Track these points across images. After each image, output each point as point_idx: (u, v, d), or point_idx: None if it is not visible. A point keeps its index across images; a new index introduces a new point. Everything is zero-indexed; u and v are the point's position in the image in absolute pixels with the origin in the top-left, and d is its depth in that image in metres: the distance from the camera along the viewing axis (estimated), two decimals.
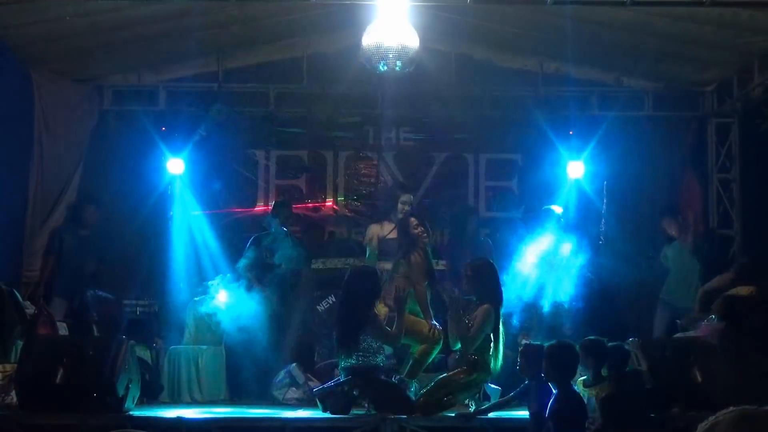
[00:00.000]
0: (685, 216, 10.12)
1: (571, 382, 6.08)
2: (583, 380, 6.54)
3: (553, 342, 6.26)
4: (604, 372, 6.42)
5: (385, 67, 7.58)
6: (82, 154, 10.21)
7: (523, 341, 8.14)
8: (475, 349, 7.26)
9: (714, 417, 2.64)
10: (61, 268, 9.35)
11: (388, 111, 10.54)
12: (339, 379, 7.37)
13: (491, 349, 7.35)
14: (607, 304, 10.18)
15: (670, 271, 9.66)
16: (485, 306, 7.29)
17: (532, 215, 10.10)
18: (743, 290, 7.60)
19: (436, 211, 10.40)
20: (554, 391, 5.84)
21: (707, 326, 7.72)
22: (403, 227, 8.47)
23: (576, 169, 10.31)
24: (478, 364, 7.25)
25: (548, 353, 5.99)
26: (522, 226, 9.59)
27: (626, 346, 6.76)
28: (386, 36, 7.48)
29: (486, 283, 7.46)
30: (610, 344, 6.42)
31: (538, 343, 6.70)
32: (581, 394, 6.18)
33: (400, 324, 7.42)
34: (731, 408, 2.67)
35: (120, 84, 10.54)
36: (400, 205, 8.88)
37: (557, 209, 9.64)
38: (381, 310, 7.74)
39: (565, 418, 5.64)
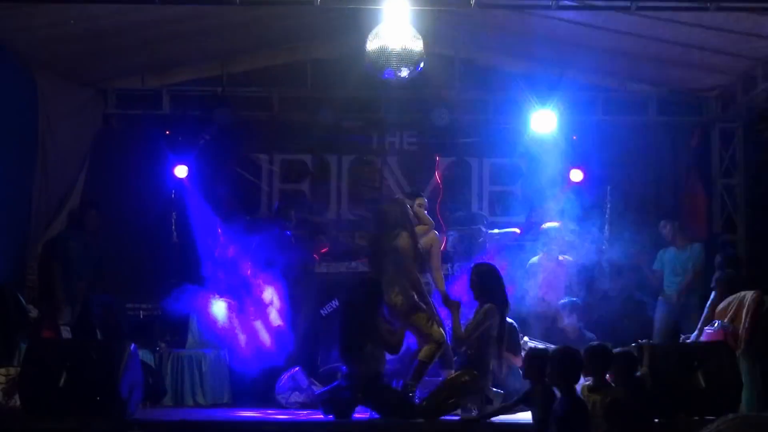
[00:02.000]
0: (683, 220, 10.11)
1: (575, 387, 6.06)
2: (588, 385, 6.52)
3: (557, 346, 6.25)
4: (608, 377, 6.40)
5: (390, 75, 7.56)
6: (86, 157, 10.21)
7: (528, 345, 8.14)
8: (478, 353, 7.27)
9: (714, 425, 2.63)
10: (65, 272, 9.33)
11: (392, 115, 10.55)
12: (342, 383, 7.37)
13: (494, 353, 7.35)
14: (610, 309, 10.19)
15: (665, 272, 9.68)
16: (486, 306, 7.37)
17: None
18: (748, 294, 7.58)
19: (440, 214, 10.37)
20: (558, 396, 5.82)
21: (712, 331, 7.70)
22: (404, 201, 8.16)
23: (579, 173, 10.29)
24: (480, 367, 7.25)
25: (552, 358, 5.97)
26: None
27: (635, 352, 6.74)
28: (390, 40, 7.47)
29: (489, 286, 7.51)
30: (616, 350, 6.40)
31: (543, 347, 6.70)
32: (585, 399, 6.16)
33: (402, 331, 7.45)
34: (731, 415, 2.66)
35: (124, 88, 10.55)
36: (417, 209, 8.37)
37: (554, 224, 9.65)
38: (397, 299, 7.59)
39: (568, 422, 5.62)
